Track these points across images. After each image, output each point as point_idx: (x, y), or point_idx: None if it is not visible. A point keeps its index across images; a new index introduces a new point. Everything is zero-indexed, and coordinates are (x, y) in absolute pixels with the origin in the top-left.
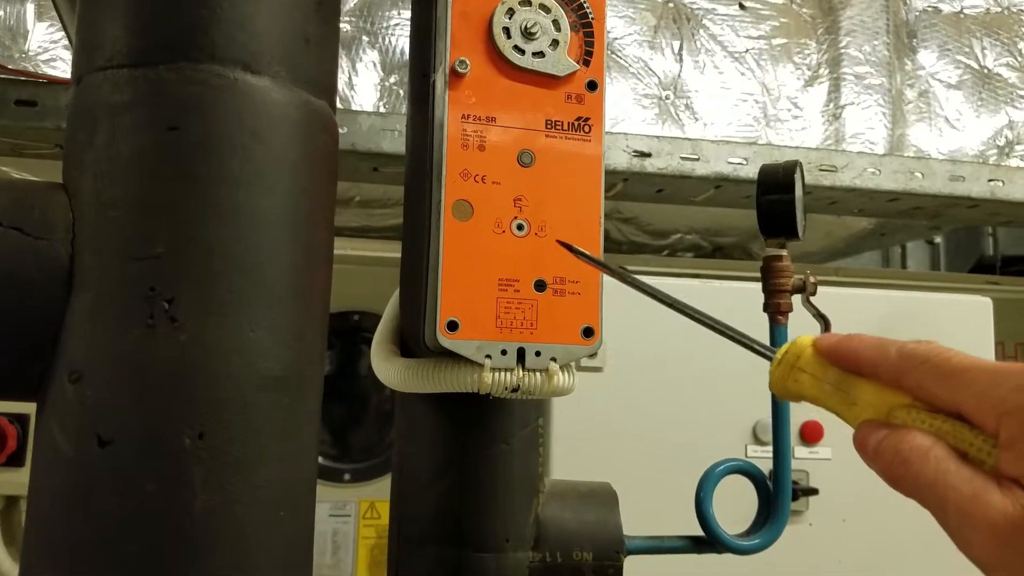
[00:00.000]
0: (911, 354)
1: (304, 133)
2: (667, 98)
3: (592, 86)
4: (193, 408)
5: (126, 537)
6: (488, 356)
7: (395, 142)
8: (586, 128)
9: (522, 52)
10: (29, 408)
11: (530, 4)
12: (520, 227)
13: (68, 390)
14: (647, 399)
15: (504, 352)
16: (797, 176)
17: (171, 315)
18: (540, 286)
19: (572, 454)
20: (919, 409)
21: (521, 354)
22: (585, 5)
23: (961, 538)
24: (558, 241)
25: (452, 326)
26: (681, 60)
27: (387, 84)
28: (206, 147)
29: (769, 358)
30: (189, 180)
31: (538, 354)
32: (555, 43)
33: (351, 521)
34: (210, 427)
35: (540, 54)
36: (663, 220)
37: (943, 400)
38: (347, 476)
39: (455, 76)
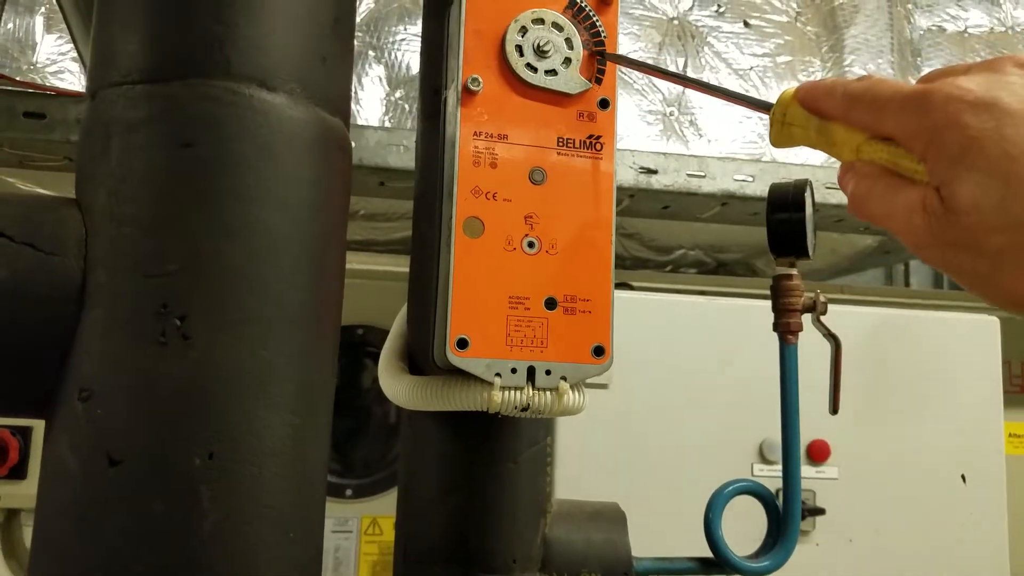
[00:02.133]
0: (851, 95)
1: (318, 151)
2: (671, 114)
3: (604, 104)
4: (203, 427)
5: (135, 557)
6: (498, 374)
7: (401, 157)
8: (598, 146)
9: (535, 70)
10: (31, 420)
11: (543, 22)
12: (531, 245)
13: (78, 408)
14: (653, 417)
15: (514, 370)
16: (807, 195)
17: (183, 332)
18: (551, 304)
19: (578, 472)
20: (876, 141)
21: (531, 373)
22: (598, 24)
23: (906, 239)
24: (600, 52)
25: (462, 344)
26: None
27: (393, 99)
28: (220, 164)
29: (768, 109)
30: (202, 197)
31: (548, 373)
32: (567, 61)
33: (353, 537)
34: (220, 447)
35: (552, 72)
36: (666, 236)
37: (879, 132)
38: (349, 492)
39: (467, 93)
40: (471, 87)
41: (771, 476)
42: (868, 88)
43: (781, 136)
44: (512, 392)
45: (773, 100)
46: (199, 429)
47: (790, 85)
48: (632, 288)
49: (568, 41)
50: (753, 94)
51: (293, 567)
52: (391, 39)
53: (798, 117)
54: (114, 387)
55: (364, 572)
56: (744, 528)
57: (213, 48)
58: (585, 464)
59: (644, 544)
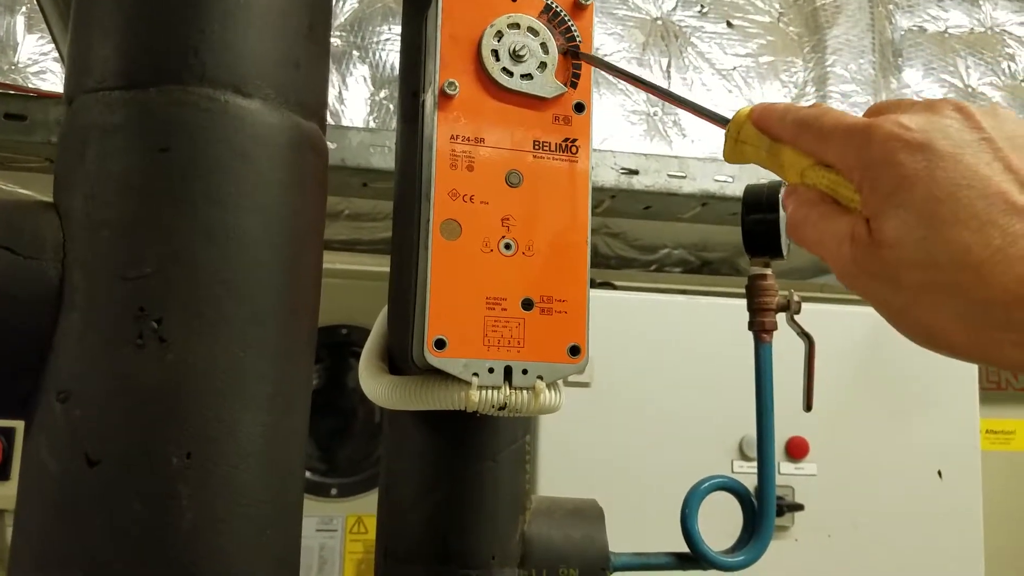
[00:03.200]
0: (800, 121)
1: (293, 155)
2: (655, 115)
3: (579, 108)
4: (181, 428)
5: (114, 555)
6: (475, 374)
7: (385, 158)
8: (573, 149)
9: (510, 74)
10: (15, 421)
11: (519, 27)
12: (508, 246)
13: (56, 409)
14: (634, 415)
15: (491, 370)
16: (782, 196)
17: (160, 335)
18: (527, 305)
19: (559, 469)
20: (819, 168)
21: (508, 372)
22: (573, 28)
23: (834, 267)
24: (570, 51)
25: (440, 344)
26: (669, 77)
27: (377, 99)
28: (196, 168)
29: (725, 124)
30: (178, 201)
31: (525, 372)
32: (543, 65)
33: (338, 536)
34: (197, 447)
35: (528, 76)
36: (651, 235)
37: (824, 159)
38: (334, 491)
39: (444, 97)
40: (448, 91)
41: (751, 473)
42: (816, 116)
43: (734, 152)
44: (489, 391)
45: (755, 100)
46: (176, 429)
47: (772, 85)
48: (615, 288)
49: (543, 46)
50: (736, 94)
51: (271, 564)
52: (375, 39)
53: (751, 136)
54: (92, 388)
55: (349, 570)
56: (724, 525)
57: (188, 54)
58: (568, 461)
59: (628, 541)
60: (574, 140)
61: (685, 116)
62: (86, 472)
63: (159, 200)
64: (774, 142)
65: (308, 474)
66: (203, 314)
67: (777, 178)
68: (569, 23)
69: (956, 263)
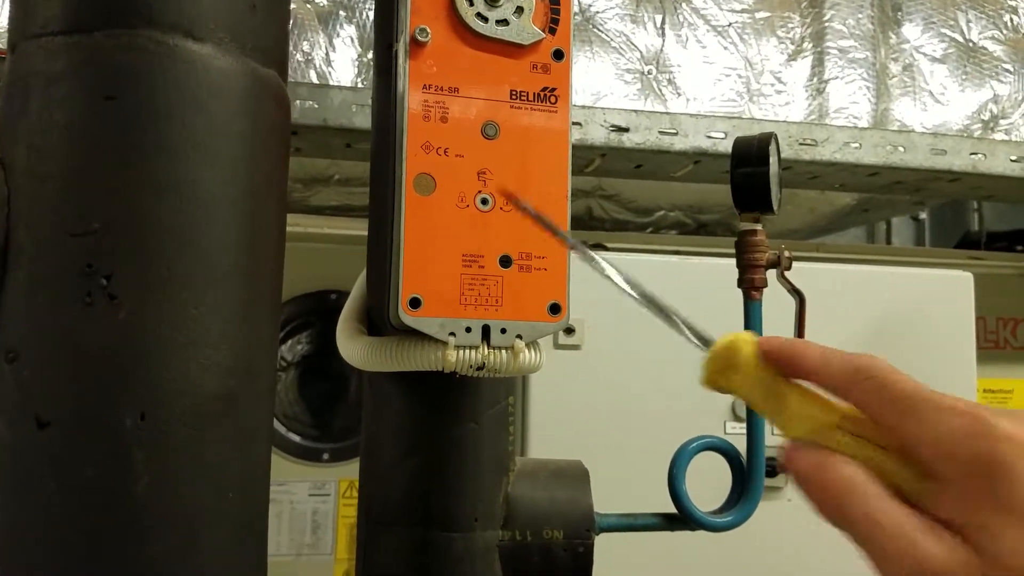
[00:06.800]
0: (856, 368)
1: (250, 103)
2: (649, 73)
3: (558, 55)
4: (133, 388)
5: (65, 521)
6: (452, 334)
7: (368, 117)
8: (552, 99)
9: (485, 20)
10: None
11: None
12: (484, 201)
13: (4, 370)
14: (626, 377)
15: (468, 329)
16: (772, 149)
17: (109, 292)
18: (505, 262)
19: (550, 432)
20: (845, 433)
21: (486, 331)
22: None
23: (891, 563)
24: (504, 193)
25: (415, 303)
26: (663, 34)
27: (365, 60)
28: (144, 117)
29: (704, 349)
30: (126, 152)
31: (503, 331)
32: (519, 10)
33: (331, 500)
34: (152, 408)
35: (504, 22)
36: (646, 197)
37: (886, 421)
38: (326, 456)
39: (416, 45)
40: (419, 38)
41: (743, 434)
42: (881, 370)
43: (720, 378)
44: (467, 351)
45: (752, 57)
46: (129, 390)
47: (769, 42)
48: (606, 248)
49: None
50: (732, 51)
51: (233, 527)
52: None
53: (749, 366)
54: (40, 348)
55: (342, 535)
56: (718, 489)
57: None
58: (558, 424)
59: (621, 503)
60: (553, 89)
61: (680, 74)
62: (36, 435)
63: (106, 151)
64: (778, 381)
65: (299, 439)
66: (155, 270)
67: (768, 131)
68: None
69: None
